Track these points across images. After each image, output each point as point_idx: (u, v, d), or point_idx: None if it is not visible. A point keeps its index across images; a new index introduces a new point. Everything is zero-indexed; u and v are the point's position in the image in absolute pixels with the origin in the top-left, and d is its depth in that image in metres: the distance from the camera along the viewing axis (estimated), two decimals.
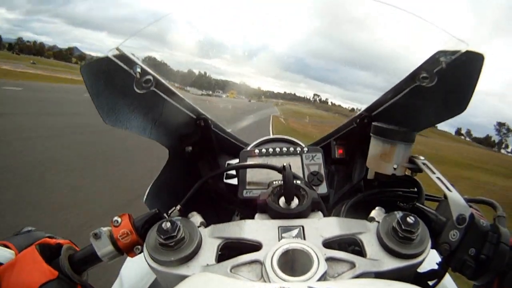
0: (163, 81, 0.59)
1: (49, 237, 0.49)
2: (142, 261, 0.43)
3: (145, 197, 0.70)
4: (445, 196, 0.47)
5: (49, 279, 0.43)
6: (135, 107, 0.62)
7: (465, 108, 0.58)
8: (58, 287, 0.44)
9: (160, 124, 0.71)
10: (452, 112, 0.61)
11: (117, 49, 0.51)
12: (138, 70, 0.54)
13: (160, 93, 0.61)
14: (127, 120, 0.64)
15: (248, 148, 0.86)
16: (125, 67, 0.53)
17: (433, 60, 0.53)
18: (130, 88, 0.56)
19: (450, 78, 0.54)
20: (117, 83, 0.55)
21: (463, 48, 0.50)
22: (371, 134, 0.60)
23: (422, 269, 0.46)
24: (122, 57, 0.51)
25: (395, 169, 0.57)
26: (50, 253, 0.47)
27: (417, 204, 0.53)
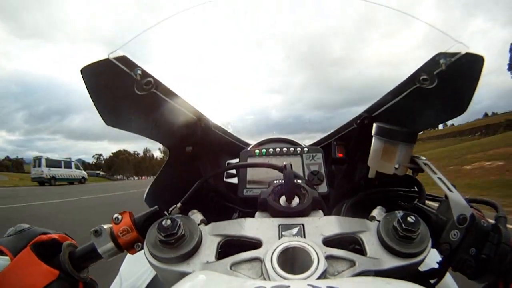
0: (163, 83, 0.60)
1: (43, 233, 0.48)
2: (141, 259, 0.43)
3: (145, 195, 0.71)
4: (446, 196, 0.47)
5: (50, 281, 0.43)
6: (135, 108, 0.62)
7: (465, 109, 0.58)
8: (60, 287, 0.44)
9: (161, 125, 0.71)
10: (452, 114, 0.61)
11: (118, 51, 0.51)
12: (139, 72, 0.54)
13: (161, 95, 0.61)
14: (127, 121, 0.64)
15: (249, 148, 0.86)
16: (125, 69, 0.53)
17: (433, 62, 0.53)
18: (131, 90, 0.56)
19: (450, 80, 0.54)
20: (118, 85, 0.56)
21: (463, 50, 0.50)
22: (373, 135, 0.60)
23: (423, 268, 0.46)
24: (123, 59, 0.52)
25: (396, 169, 0.57)
26: (46, 251, 0.46)
27: (418, 203, 0.52)
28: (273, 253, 0.38)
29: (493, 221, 0.46)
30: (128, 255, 0.51)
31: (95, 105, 0.56)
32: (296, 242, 0.39)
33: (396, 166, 0.56)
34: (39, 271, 0.43)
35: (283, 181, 0.51)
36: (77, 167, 28.93)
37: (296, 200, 0.50)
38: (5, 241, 0.45)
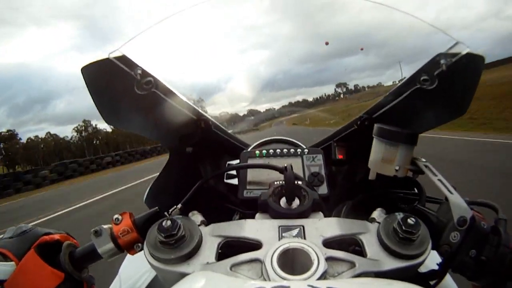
0: (163, 82, 0.60)
1: (45, 233, 0.47)
2: (141, 260, 0.43)
3: (145, 196, 0.71)
4: (446, 198, 0.47)
5: (57, 284, 0.43)
6: (136, 108, 0.62)
7: (466, 110, 0.58)
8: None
9: (161, 125, 0.71)
10: (453, 114, 0.61)
11: (118, 51, 0.51)
12: (139, 72, 0.54)
13: (161, 95, 0.61)
14: (127, 121, 0.64)
15: (249, 149, 0.86)
16: (126, 69, 0.53)
17: (434, 62, 0.53)
18: (131, 89, 0.56)
19: (451, 80, 0.54)
20: (118, 84, 0.56)
21: (463, 50, 0.49)
22: (373, 136, 0.60)
23: (422, 269, 0.46)
24: (123, 59, 0.52)
25: (397, 170, 0.56)
26: (50, 253, 0.46)
27: (418, 205, 0.52)
28: (273, 254, 0.38)
29: (492, 224, 0.46)
30: (128, 256, 0.51)
31: (95, 103, 0.56)
32: (296, 243, 0.40)
33: (397, 168, 0.56)
34: (45, 274, 0.42)
35: (283, 183, 0.51)
36: None
37: (296, 202, 0.50)
38: (9, 244, 0.44)
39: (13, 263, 0.42)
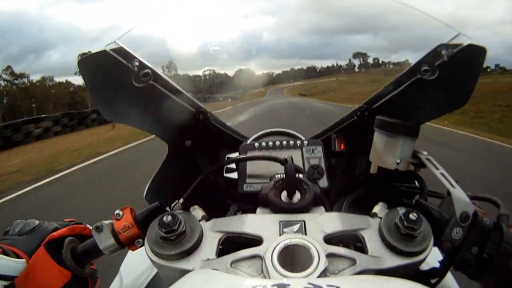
0: (161, 75, 0.59)
1: (54, 229, 0.47)
2: (142, 257, 0.43)
3: (145, 192, 0.70)
4: (448, 193, 0.47)
5: (65, 282, 0.43)
6: (133, 101, 0.61)
7: (467, 101, 0.58)
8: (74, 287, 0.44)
9: (159, 118, 0.70)
10: (454, 105, 0.60)
11: (116, 43, 0.50)
12: (137, 63, 0.53)
13: (159, 87, 0.60)
14: (125, 114, 0.63)
15: (248, 142, 0.85)
16: (123, 61, 0.52)
17: (435, 53, 0.52)
18: (129, 82, 0.55)
19: (452, 71, 0.54)
20: (116, 77, 0.55)
21: (465, 41, 0.49)
22: (374, 128, 0.59)
23: (423, 267, 0.46)
24: (120, 51, 0.51)
25: (398, 163, 0.56)
26: (58, 249, 0.46)
27: (420, 200, 0.52)
28: (273, 250, 0.38)
29: (494, 219, 0.46)
30: (129, 253, 0.51)
31: (92, 96, 0.55)
32: (296, 239, 0.39)
33: (398, 161, 0.56)
34: (54, 273, 0.43)
35: (284, 176, 0.51)
36: None
37: (297, 196, 0.49)
38: (19, 242, 0.44)
39: (24, 260, 0.42)
